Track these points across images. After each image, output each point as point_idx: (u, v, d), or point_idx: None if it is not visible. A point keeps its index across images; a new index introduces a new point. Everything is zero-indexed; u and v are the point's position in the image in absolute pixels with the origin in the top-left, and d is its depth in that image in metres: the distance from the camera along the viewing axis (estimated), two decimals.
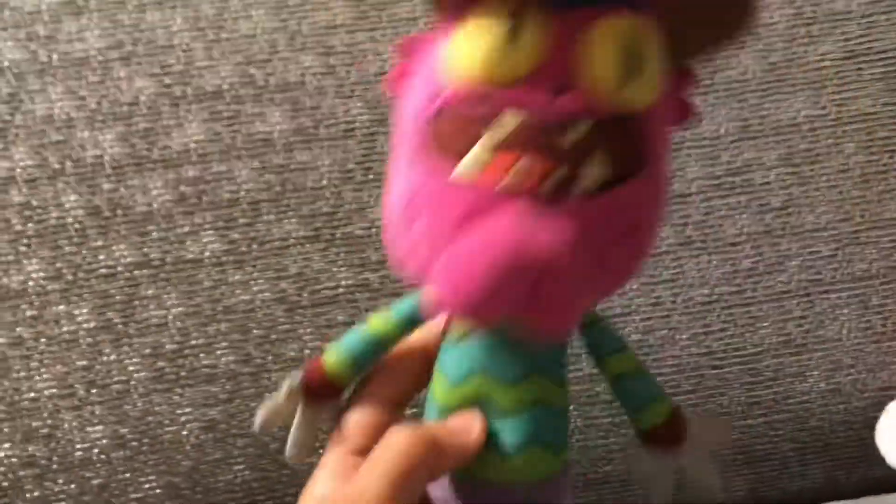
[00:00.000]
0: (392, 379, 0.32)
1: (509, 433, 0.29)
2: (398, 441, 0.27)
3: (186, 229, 0.48)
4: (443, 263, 0.26)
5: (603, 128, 0.25)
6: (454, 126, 0.26)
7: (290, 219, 0.49)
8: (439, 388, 0.30)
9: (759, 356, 0.52)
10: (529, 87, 0.25)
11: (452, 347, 0.30)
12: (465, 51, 0.26)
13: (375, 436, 0.29)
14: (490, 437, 0.29)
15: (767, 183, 0.52)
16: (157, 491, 0.49)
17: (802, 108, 0.52)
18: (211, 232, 0.48)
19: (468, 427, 0.29)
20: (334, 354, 0.32)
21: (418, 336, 0.32)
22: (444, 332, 0.31)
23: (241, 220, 0.49)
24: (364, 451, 0.29)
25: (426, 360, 0.31)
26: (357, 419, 0.30)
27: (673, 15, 0.28)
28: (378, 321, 0.32)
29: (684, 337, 0.51)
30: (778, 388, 0.52)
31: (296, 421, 0.32)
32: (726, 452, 0.53)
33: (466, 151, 0.25)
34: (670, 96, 0.28)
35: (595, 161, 0.25)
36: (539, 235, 0.25)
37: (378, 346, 0.32)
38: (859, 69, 0.52)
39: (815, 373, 0.52)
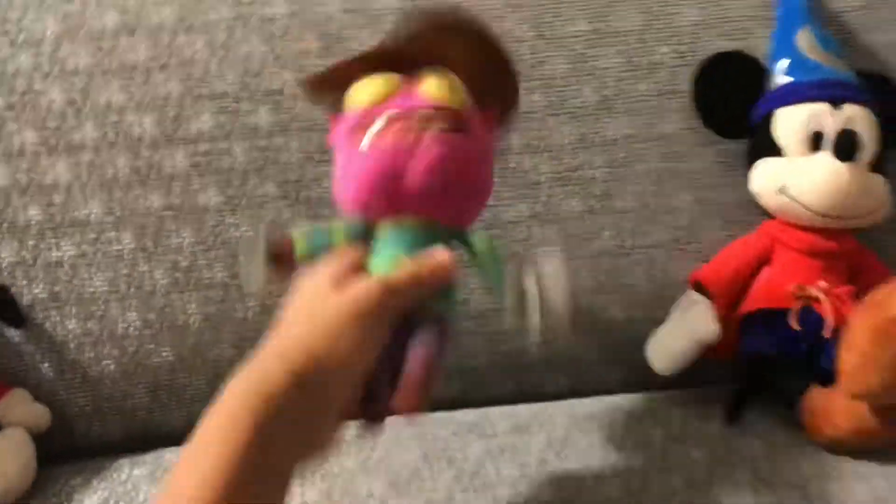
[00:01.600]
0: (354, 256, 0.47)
1: None
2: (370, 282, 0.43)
3: (198, 186, 0.71)
4: (356, 170, 0.47)
5: (441, 111, 0.46)
6: (357, 127, 0.48)
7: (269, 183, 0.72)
8: (375, 267, 0.46)
9: (579, 294, 0.73)
10: (392, 101, 0.47)
11: (379, 242, 0.47)
12: (357, 93, 0.49)
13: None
14: None
15: (594, 178, 0.73)
16: (170, 359, 0.72)
17: (623, 127, 0.74)
18: (215, 189, 0.71)
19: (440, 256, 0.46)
20: (302, 240, 0.49)
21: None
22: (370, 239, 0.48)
23: (235, 182, 0.72)
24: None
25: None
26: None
27: (471, 84, 0.51)
28: (334, 224, 0.49)
29: None
30: (588, 318, 0.75)
31: (253, 263, 0.48)
32: (560, 360, 0.75)
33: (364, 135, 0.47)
34: (483, 119, 0.50)
35: (437, 123, 0.46)
36: (410, 137, 0.45)
37: (328, 240, 0.49)
38: (666, 102, 0.74)
39: (617, 307, 0.74)
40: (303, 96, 0.71)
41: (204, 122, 0.71)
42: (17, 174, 0.69)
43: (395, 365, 0.45)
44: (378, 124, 0.46)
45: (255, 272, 0.48)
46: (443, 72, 0.48)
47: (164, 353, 0.72)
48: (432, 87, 0.48)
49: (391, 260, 0.46)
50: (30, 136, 0.69)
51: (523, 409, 0.71)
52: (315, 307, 0.43)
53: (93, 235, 0.70)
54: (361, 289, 0.42)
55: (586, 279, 0.74)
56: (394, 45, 0.50)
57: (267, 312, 0.69)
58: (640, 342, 0.71)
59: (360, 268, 0.46)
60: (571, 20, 0.74)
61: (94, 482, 0.66)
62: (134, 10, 0.71)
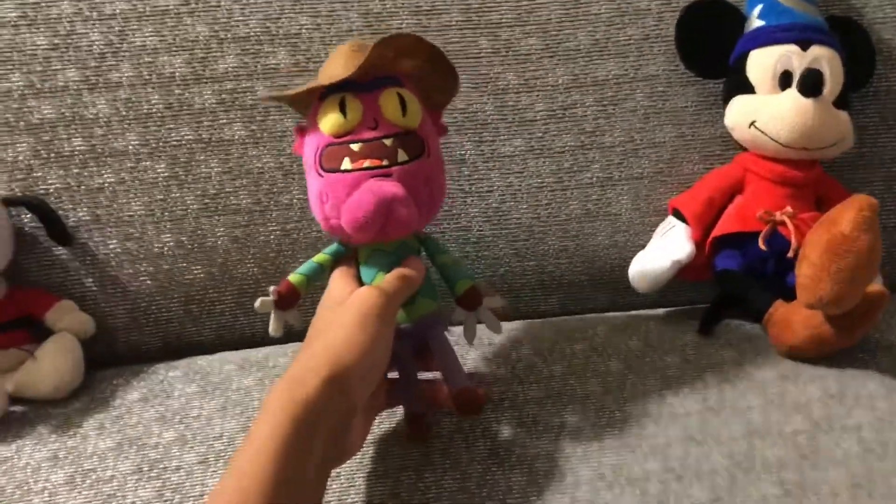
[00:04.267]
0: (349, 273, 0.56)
1: None
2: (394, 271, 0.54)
3: (225, 120, 0.78)
4: (343, 212, 0.54)
5: (401, 138, 0.54)
6: (331, 154, 0.55)
7: (288, 118, 0.79)
8: (366, 280, 0.57)
9: (569, 222, 0.79)
10: (359, 131, 0.54)
11: (363, 264, 0.57)
12: (325, 122, 0.55)
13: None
14: None
15: (585, 116, 0.78)
16: (201, 276, 0.78)
17: (613, 69, 0.79)
18: (239, 124, 0.78)
19: (414, 266, 0.55)
20: (296, 275, 0.58)
21: (346, 263, 0.58)
22: (356, 260, 0.58)
23: (258, 118, 0.78)
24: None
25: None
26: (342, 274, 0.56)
27: (423, 88, 0.58)
28: (319, 257, 0.59)
29: (524, 207, 0.79)
30: (579, 242, 0.80)
31: (272, 319, 0.57)
32: (550, 282, 0.82)
33: (339, 165, 0.54)
34: (433, 123, 0.57)
35: (400, 151, 0.54)
36: (386, 187, 0.52)
37: (320, 269, 0.58)
38: (651, 45, 0.80)
39: (602, 234, 0.80)
40: (319, 40, 0.77)
41: (229, 62, 0.76)
42: (62, 109, 0.75)
43: (411, 371, 0.59)
44: (352, 153, 0.53)
45: (274, 324, 0.58)
46: (395, 90, 0.54)
47: (196, 271, 0.78)
48: (390, 110, 0.54)
49: (378, 275, 0.56)
50: (72, 75, 0.75)
51: (517, 325, 0.78)
52: (329, 322, 0.50)
53: (130, 164, 0.75)
54: (363, 296, 0.51)
55: (576, 208, 0.80)
56: (352, 67, 0.54)
57: (287, 235, 0.78)
58: (624, 265, 0.77)
59: (355, 283, 0.55)
60: None
61: (134, 382, 0.73)
62: None
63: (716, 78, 0.78)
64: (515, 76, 0.78)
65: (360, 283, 0.56)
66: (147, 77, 0.76)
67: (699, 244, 0.74)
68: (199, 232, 0.77)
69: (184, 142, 0.76)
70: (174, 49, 0.76)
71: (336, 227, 0.55)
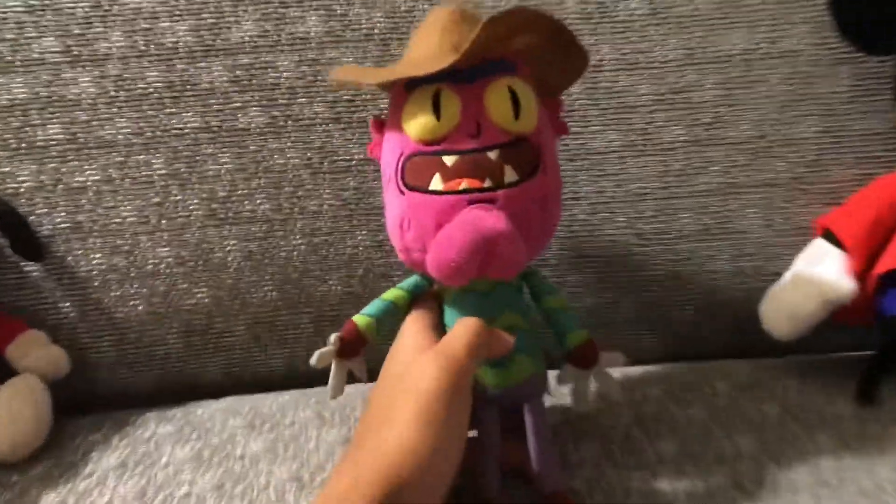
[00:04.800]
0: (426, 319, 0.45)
1: None
2: (470, 321, 0.41)
3: (238, 105, 0.62)
4: (431, 249, 0.41)
5: (510, 149, 0.42)
6: (417, 167, 0.43)
7: (318, 103, 0.62)
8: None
9: (680, 240, 0.64)
10: (456, 138, 0.42)
11: (450, 307, 0.47)
12: (412, 124, 0.43)
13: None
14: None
15: (703, 102, 0.63)
16: (206, 300, 0.64)
17: (739, 42, 0.63)
18: (257, 109, 0.62)
19: (506, 335, 0.43)
20: (363, 317, 0.47)
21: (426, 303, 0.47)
22: (441, 299, 0.47)
23: (280, 101, 0.62)
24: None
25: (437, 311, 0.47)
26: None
27: (538, 70, 0.45)
28: (392, 293, 0.48)
29: (620, 220, 0.64)
30: (693, 267, 0.64)
31: (332, 371, 0.47)
32: (651, 317, 0.66)
33: (427, 183, 0.42)
34: (550, 119, 0.44)
35: (508, 168, 0.41)
36: (488, 221, 0.40)
37: (394, 309, 0.48)
38: (790, 12, 0.62)
39: (724, 257, 0.64)
40: (360, 3, 0.61)
41: (246, 30, 0.61)
42: (35, 87, 0.61)
43: (494, 448, 0.46)
44: (445, 169, 0.42)
45: (334, 381, 0.48)
46: (506, 80, 0.42)
47: (200, 294, 0.64)
48: (499, 111, 0.42)
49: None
50: (50, 44, 0.61)
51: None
52: (390, 402, 0.39)
53: (119, 158, 0.62)
54: (428, 373, 0.39)
55: (689, 223, 0.64)
56: (452, 51, 0.43)
57: (315, 251, 0.61)
58: (752, 300, 0.61)
59: (432, 335, 0.43)
60: None
61: (115, 439, 0.58)
62: None
63: (882, 54, 0.61)
64: (612, 48, 0.63)
65: (443, 331, 0.45)
66: (143, 48, 0.61)
67: (859, 277, 0.57)
68: (205, 245, 0.63)
69: (187, 130, 0.62)
70: (177, 14, 0.61)
71: (419, 261, 0.44)
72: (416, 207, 0.43)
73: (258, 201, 0.63)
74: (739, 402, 0.57)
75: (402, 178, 0.43)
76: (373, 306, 0.48)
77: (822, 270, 0.58)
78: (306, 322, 0.65)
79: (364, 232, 0.63)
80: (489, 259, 0.41)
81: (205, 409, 0.61)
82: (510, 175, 0.42)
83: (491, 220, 0.40)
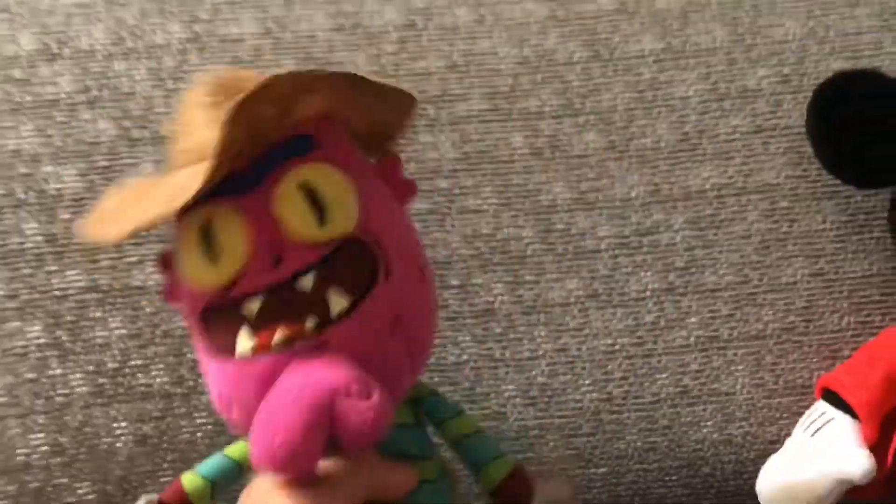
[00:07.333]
0: None
1: None
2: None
3: (134, 259, 0.54)
4: (253, 440, 0.31)
5: (327, 266, 0.32)
6: (217, 326, 0.33)
7: None
8: None
9: (657, 405, 0.56)
10: (252, 273, 0.32)
11: None
12: (188, 269, 0.33)
13: None
14: None
15: (673, 244, 0.56)
16: (91, 496, 0.54)
17: (711, 176, 0.57)
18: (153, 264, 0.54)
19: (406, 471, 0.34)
20: (195, 478, 0.37)
21: None
22: None
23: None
24: None
25: None
26: None
27: (355, 122, 0.36)
28: (235, 448, 0.37)
29: (586, 382, 0.56)
30: (673, 436, 0.56)
31: None
32: (621, 495, 0.57)
33: (233, 346, 0.32)
34: (387, 184, 0.35)
35: (332, 294, 0.32)
36: (318, 376, 0.30)
37: (236, 471, 0.37)
38: (765, 143, 0.57)
39: (709, 423, 0.56)
40: None
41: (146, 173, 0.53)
42: None
43: None
44: (250, 321, 0.33)
45: None
46: (295, 170, 0.33)
47: (81, 490, 0.54)
48: (296, 222, 0.32)
49: None
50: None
51: None
52: None
53: None
54: None
55: (667, 384, 0.57)
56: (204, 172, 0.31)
57: (223, 433, 0.52)
58: (746, 474, 0.55)
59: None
60: (635, 36, 0.59)
61: None
62: None
63: (874, 187, 0.56)
64: (566, 186, 0.57)
65: None
66: None
67: (874, 447, 0.49)
68: (89, 428, 0.54)
69: (70, 290, 0.54)
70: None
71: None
72: (230, 380, 0.34)
73: (154, 374, 0.54)
74: None
75: (208, 342, 0.34)
76: (210, 464, 0.38)
77: (830, 440, 0.51)
78: None
79: None
80: (336, 429, 0.31)
81: None
82: (337, 302, 0.32)
83: (322, 373, 0.31)
